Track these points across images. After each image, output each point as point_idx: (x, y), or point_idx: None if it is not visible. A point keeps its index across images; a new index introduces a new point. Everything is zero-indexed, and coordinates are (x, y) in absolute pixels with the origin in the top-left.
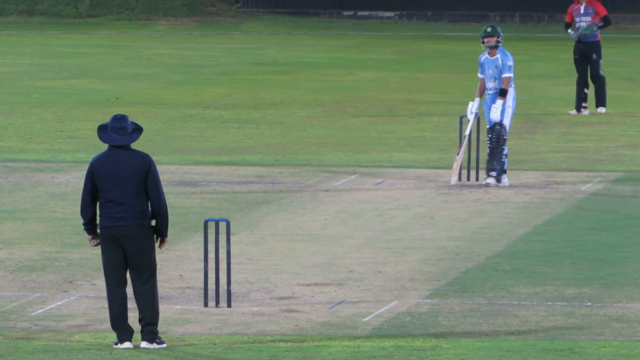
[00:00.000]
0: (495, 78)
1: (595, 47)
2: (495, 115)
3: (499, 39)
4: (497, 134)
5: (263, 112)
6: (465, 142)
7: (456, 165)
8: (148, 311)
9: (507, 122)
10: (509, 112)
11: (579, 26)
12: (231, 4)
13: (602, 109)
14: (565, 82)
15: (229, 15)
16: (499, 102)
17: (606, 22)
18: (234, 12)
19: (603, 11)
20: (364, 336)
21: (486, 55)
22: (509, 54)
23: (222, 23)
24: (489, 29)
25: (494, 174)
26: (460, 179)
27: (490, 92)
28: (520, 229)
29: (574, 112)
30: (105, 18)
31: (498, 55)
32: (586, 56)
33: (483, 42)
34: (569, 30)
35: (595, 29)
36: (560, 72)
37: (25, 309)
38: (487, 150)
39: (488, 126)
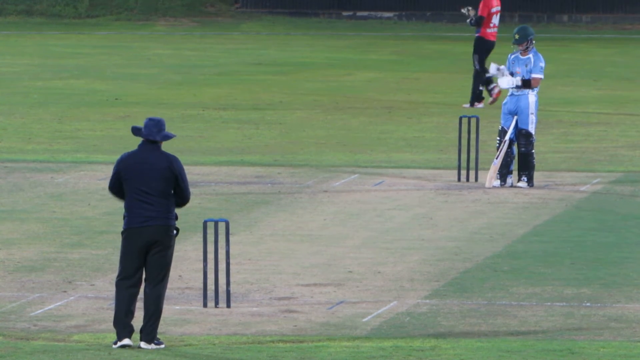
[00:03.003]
0: (522, 77)
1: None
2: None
3: (528, 44)
4: (526, 139)
5: (262, 112)
6: (504, 147)
7: (494, 169)
8: (151, 312)
9: (532, 128)
10: (533, 119)
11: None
12: (230, 4)
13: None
14: (564, 83)
15: (228, 15)
16: (515, 81)
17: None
18: (233, 12)
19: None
20: (363, 336)
21: (517, 54)
22: (541, 56)
23: (222, 23)
24: (517, 36)
25: (525, 178)
26: (501, 182)
27: (516, 94)
28: (519, 230)
29: (467, 105)
30: (104, 18)
31: (530, 55)
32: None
33: (515, 47)
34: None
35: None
36: (559, 73)
37: (24, 309)
38: (519, 156)
39: (500, 129)
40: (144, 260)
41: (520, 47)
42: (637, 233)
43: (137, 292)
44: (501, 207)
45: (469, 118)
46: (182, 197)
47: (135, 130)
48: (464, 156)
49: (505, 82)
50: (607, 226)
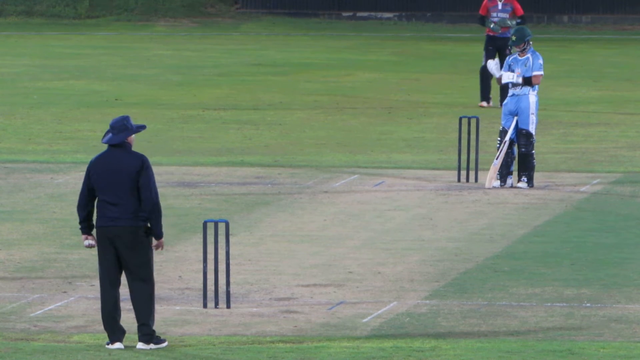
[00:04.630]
0: (523, 77)
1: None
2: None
3: (526, 45)
4: (526, 139)
5: (262, 113)
6: (505, 147)
7: (494, 169)
8: (142, 311)
9: (532, 128)
10: (533, 119)
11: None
12: (230, 5)
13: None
14: (564, 83)
15: (228, 16)
16: (515, 76)
17: (523, 20)
18: (233, 13)
19: (520, 10)
20: (363, 337)
21: (515, 55)
22: (539, 54)
23: (221, 24)
24: (513, 38)
25: (524, 178)
26: (501, 183)
27: (516, 94)
28: (519, 230)
29: (485, 103)
30: (104, 19)
31: (529, 55)
32: (499, 50)
33: (511, 49)
34: (491, 27)
35: (512, 23)
36: (559, 73)
37: (24, 309)
38: (519, 157)
39: (501, 129)
40: (118, 260)
41: (518, 49)
42: (637, 234)
43: (117, 294)
44: (501, 208)
45: (469, 118)
46: (143, 193)
47: (103, 138)
48: (464, 157)
49: (506, 76)
50: (607, 227)
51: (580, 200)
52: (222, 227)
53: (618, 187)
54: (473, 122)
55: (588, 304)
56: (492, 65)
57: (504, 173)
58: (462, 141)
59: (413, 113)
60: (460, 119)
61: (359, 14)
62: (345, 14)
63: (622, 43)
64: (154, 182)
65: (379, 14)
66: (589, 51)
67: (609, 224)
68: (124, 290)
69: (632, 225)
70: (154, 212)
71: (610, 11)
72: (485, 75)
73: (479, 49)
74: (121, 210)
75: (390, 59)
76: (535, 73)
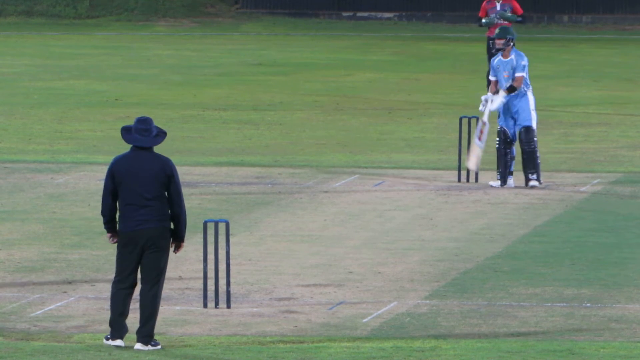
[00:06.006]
0: (512, 79)
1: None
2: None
3: (509, 41)
4: (529, 135)
5: (262, 113)
6: (485, 129)
7: (475, 150)
8: (148, 312)
9: (534, 124)
10: (534, 115)
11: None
12: (230, 4)
13: None
14: (564, 83)
15: (228, 16)
16: (501, 95)
17: (523, 20)
18: (233, 12)
19: (519, 10)
20: (363, 337)
21: (499, 57)
22: (523, 54)
23: (222, 24)
24: (497, 31)
25: (534, 176)
26: (501, 183)
27: (513, 95)
28: (519, 230)
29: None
30: (104, 19)
31: (512, 56)
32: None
33: (494, 44)
34: (484, 20)
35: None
36: (559, 73)
37: (24, 309)
38: (524, 155)
39: (499, 129)
40: (139, 262)
41: (500, 42)
42: (637, 234)
43: (132, 293)
44: (501, 208)
45: (469, 119)
46: (174, 200)
47: (127, 138)
48: (464, 157)
49: (496, 103)
50: (607, 227)
51: (581, 200)
52: (222, 227)
53: (618, 187)
54: (473, 122)
55: (588, 304)
56: (483, 102)
57: (504, 173)
58: (462, 141)
59: (413, 113)
60: (461, 119)
61: (359, 14)
62: (345, 14)
63: (622, 43)
64: (181, 192)
65: (379, 14)
66: (589, 51)
67: (609, 223)
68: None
69: (632, 225)
70: (181, 221)
71: (610, 11)
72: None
73: (479, 49)
74: (149, 212)
75: (390, 59)
76: (516, 75)
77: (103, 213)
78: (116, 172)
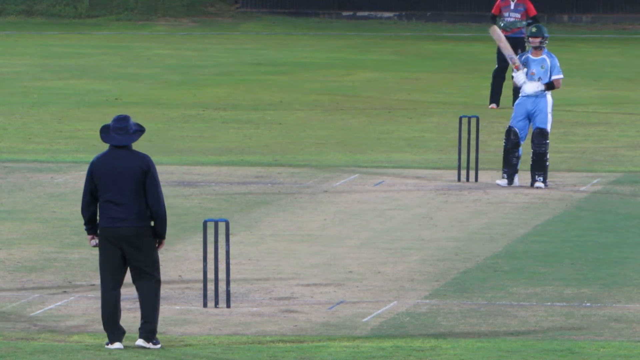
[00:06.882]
0: (539, 78)
1: (521, 42)
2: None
3: (544, 40)
4: (543, 138)
5: (262, 112)
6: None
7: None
8: (148, 309)
9: (549, 127)
10: (550, 118)
11: (507, 21)
12: (230, 4)
13: None
14: (564, 83)
15: (228, 15)
16: (538, 84)
17: (535, 21)
18: (233, 12)
19: (533, 11)
20: (363, 336)
21: (528, 54)
22: (554, 55)
23: (222, 23)
24: (533, 29)
25: (541, 178)
26: (508, 182)
27: (532, 95)
28: (519, 230)
29: (494, 106)
30: (104, 18)
31: (544, 56)
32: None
33: (528, 41)
34: (502, 24)
35: (522, 24)
36: None
37: (24, 309)
38: (533, 157)
39: (508, 128)
40: (123, 261)
41: (536, 41)
42: (637, 233)
43: (119, 293)
44: (501, 207)
45: (469, 118)
46: (151, 194)
47: (105, 137)
48: (464, 156)
49: (531, 86)
50: (607, 226)
51: (580, 200)
52: (222, 226)
53: (618, 186)
54: (473, 121)
55: (588, 304)
56: (521, 75)
57: (510, 173)
58: (462, 141)
59: (413, 112)
60: (461, 118)
61: (359, 13)
62: (345, 13)
63: (622, 43)
64: (159, 187)
65: (379, 14)
66: (589, 51)
67: (609, 223)
68: (124, 290)
69: (632, 225)
70: (159, 217)
71: (610, 11)
72: (498, 78)
73: (479, 48)
74: (126, 210)
75: (390, 58)
76: (555, 77)
77: (82, 213)
78: (95, 171)
